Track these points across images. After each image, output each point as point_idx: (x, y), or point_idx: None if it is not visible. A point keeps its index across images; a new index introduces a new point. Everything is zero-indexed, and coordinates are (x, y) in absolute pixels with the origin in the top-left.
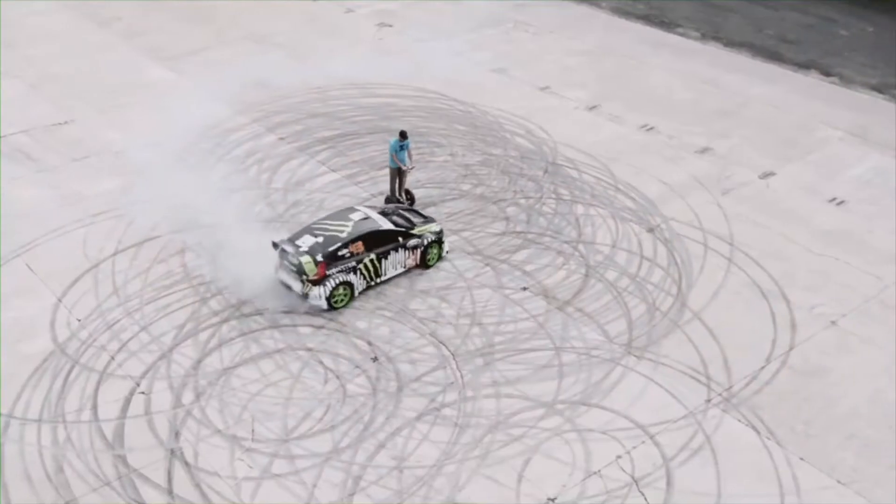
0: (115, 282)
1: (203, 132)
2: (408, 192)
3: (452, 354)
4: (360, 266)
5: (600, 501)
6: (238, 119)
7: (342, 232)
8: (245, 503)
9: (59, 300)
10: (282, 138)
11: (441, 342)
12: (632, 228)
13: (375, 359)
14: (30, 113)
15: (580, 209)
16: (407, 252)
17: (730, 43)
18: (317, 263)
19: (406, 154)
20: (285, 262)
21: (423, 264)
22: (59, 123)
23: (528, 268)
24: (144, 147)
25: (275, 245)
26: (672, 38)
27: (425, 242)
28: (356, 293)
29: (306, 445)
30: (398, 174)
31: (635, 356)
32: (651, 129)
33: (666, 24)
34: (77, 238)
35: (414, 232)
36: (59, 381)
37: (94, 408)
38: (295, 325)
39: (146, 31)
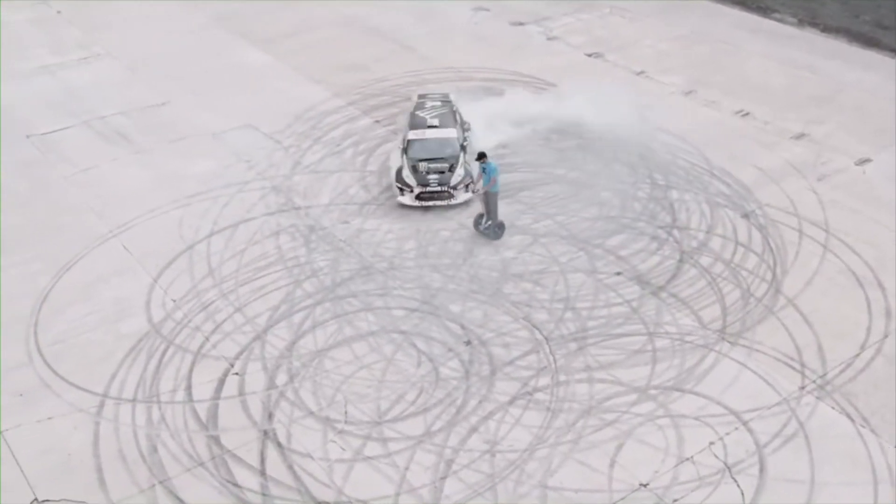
0: (211, 263)
1: (299, 114)
2: (480, 217)
3: (546, 338)
4: None
5: (693, 488)
6: (334, 101)
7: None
8: (337, 485)
9: (155, 281)
10: (377, 121)
11: (534, 326)
12: (726, 214)
13: (468, 342)
14: (127, 95)
15: (675, 194)
16: None
17: (826, 29)
18: None
19: (488, 178)
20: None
21: None
22: (156, 105)
23: (622, 253)
24: (240, 129)
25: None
26: (768, 24)
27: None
28: None
29: (399, 428)
30: (486, 197)
31: (729, 342)
32: (746, 114)
33: (762, 10)
34: (173, 219)
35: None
36: (154, 361)
37: (189, 388)
38: (388, 308)
39: (242, 14)
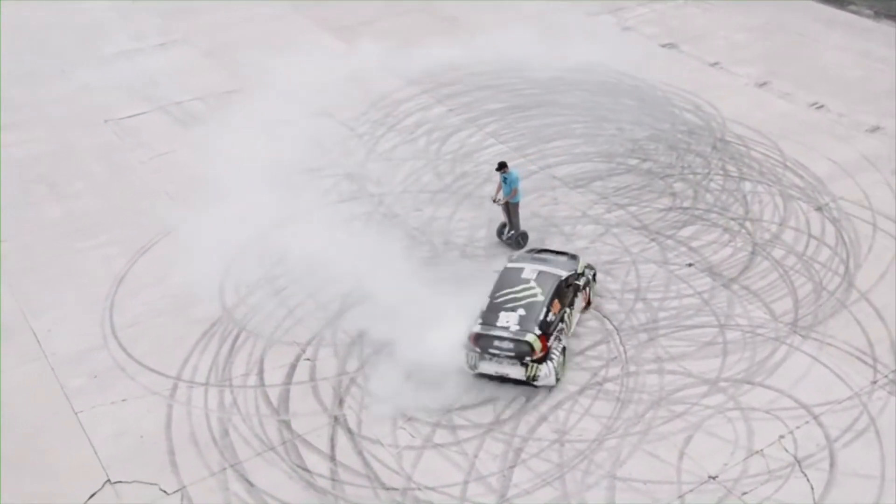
0: (284, 249)
1: (373, 102)
2: (503, 226)
3: (616, 329)
4: (562, 325)
5: (762, 481)
6: (408, 90)
7: (535, 296)
8: (406, 472)
9: (229, 266)
10: (451, 109)
11: (605, 316)
12: (799, 206)
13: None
14: (204, 80)
15: (748, 186)
16: (580, 294)
17: None
18: (538, 338)
19: (509, 188)
20: (493, 352)
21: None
22: (232, 91)
23: (694, 244)
24: (314, 116)
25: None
26: (844, 16)
27: (588, 278)
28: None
29: (468, 416)
30: (507, 207)
31: (801, 335)
32: (821, 106)
33: (839, 2)
34: (248, 204)
35: (579, 271)
36: (226, 345)
37: (261, 373)
38: (461, 295)
39: (321, 1)
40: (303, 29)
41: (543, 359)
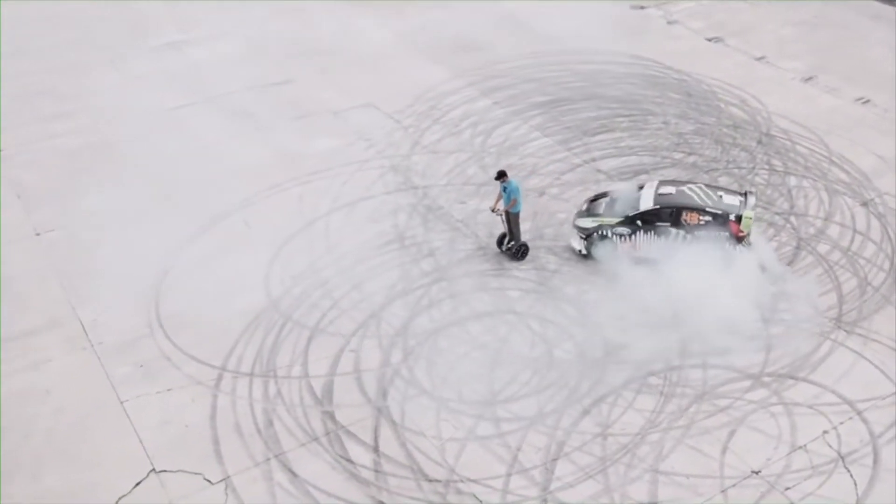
0: (329, 240)
1: (419, 94)
2: (503, 236)
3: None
4: None
5: (805, 476)
6: (454, 82)
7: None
8: (449, 464)
9: (274, 257)
10: (496, 102)
11: (649, 310)
12: (845, 202)
13: (583, 325)
14: (251, 72)
15: (793, 181)
16: None
17: None
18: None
19: (508, 197)
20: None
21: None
22: (279, 83)
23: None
24: (361, 108)
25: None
26: (891, 11)
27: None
28: None
29: (512, 409)
30: (507, 217)
31: (845, 331)
32: (867, 101)
33: None
34: (293, 196)
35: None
36: (271, 336)
37: (305, 364)
38: (504, 289)
39: None
40: (350, 20)
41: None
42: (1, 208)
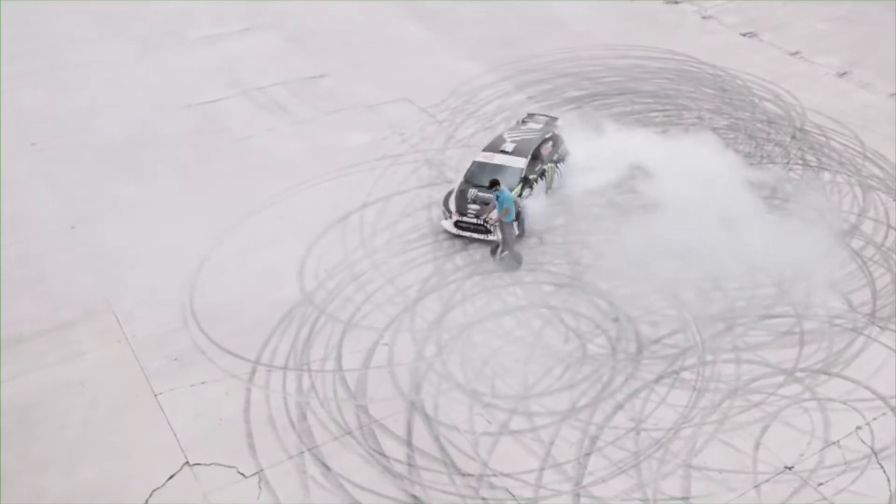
0: (363, 234)
1: (453, 89)
2: (496, 246)
3: (693, 318)
4: None
5: (838, 472)
6: (488, 77)
7: None
8: (482, 458)
9: (308, 250)
10: (531, 97)
11: (682, 305)
12: (879, 197)
13: (616, 319)
14: (287, 66)
15: (827, 176)
16: None
17: None
18: None
19: (501, 206)
20: None
21: None
22: (314, 77)
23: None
24: (395, 102)
25: None
26: None
27: None
28: None
29: (545, 403)
30: (501, 226)
31: (879, 326)
32: None
33: None
34: (327, 190)
35: None
36: (305, 329)
37: (339, 357)
38: (538, 283)
39: None
40: (386, 15)
41: None
42: (37, 202)
